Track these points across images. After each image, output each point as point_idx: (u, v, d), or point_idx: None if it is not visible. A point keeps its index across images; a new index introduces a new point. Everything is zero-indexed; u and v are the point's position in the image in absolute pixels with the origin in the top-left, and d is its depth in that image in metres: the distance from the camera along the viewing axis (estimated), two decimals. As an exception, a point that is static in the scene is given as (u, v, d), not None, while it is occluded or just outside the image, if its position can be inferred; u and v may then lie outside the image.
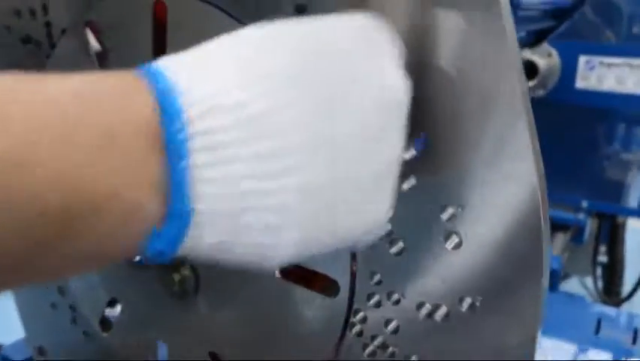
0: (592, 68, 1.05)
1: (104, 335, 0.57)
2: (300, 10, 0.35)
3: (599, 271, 1.45)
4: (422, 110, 0.32)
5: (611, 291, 1.44)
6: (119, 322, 0.56)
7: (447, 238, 0.34)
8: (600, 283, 1.45)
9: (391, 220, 0.34)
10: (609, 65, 1.04)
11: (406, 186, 0.34)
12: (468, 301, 0.34)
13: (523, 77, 0.30)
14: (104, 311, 0.57)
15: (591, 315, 1.07)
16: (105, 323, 0.58)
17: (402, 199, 0.34)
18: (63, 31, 0.48)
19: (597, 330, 1.04)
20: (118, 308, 0.56)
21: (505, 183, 0.32)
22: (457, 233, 0.33)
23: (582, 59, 1.05)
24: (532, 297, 0.33)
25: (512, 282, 0.33)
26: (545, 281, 0.32)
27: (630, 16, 1.12)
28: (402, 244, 0.35)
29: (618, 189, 1.22)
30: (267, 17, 0.37)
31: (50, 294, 0.61)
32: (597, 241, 1.42)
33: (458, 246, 0.33)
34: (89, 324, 0.58)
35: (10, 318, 0.71)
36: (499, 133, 0.31)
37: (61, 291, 0.60)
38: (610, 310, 1.12)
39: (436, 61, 0.32)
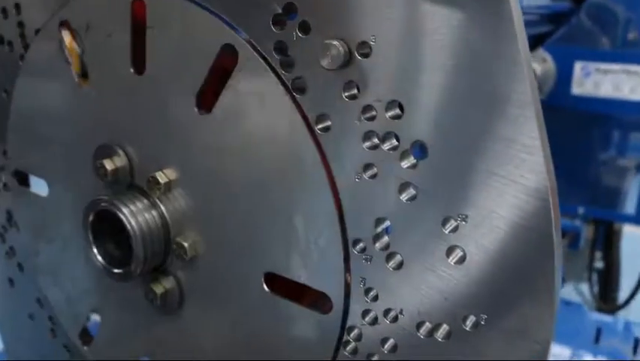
0: (587, 75, 1.04)
1: (85, 348, 0.54)
2: (289, 9, 0.33)
3: (594, 277, 1.44)
4: (420, 115, 0.30)
5: (607, 297, 1.43)
6: (100, 335, 0.53)
7: (449, 252, 0.31)
8: (596, 289, 1.44)
9: (389, 233, 0.32)
10: (605, 72, 1.03)
11: (404, 197, 0.32)
12: (472, 319, 0.32)
13: (532, 75, 0.27)
14: (84, 324, 0.54)
15: (589, 323, 1.06)
16: (85, 336, 0.55)
17: (400, 211, 0.32)
18: (37, 32, 0.45)
19: (597, 339, 1.03)
20: (98, 321, 0.53)
21: (511, 190, 0.29)
22: (460, 246, 0.31)
23: (578, 66, 1.04)
24: (542, 313, 0.30)
25: (520, 298, 0.31)
26: (557, 295, 0.30)
27: (626, 22, 1.11)
28: (400, 258, 0.33)
29: (614, 196, 1.21)
30: (253, 16, 0.35)
31: (28, 304, 0.58)
32: (593, 247, 1.42)
33: (462, 260, 0.31)
34: (69, 337, 0.55)
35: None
36: (506, 135, 0.29)
37: (40, 302, 0.57)
38: (607, 319, 1.11)
39: (438, 62, 0.29)
